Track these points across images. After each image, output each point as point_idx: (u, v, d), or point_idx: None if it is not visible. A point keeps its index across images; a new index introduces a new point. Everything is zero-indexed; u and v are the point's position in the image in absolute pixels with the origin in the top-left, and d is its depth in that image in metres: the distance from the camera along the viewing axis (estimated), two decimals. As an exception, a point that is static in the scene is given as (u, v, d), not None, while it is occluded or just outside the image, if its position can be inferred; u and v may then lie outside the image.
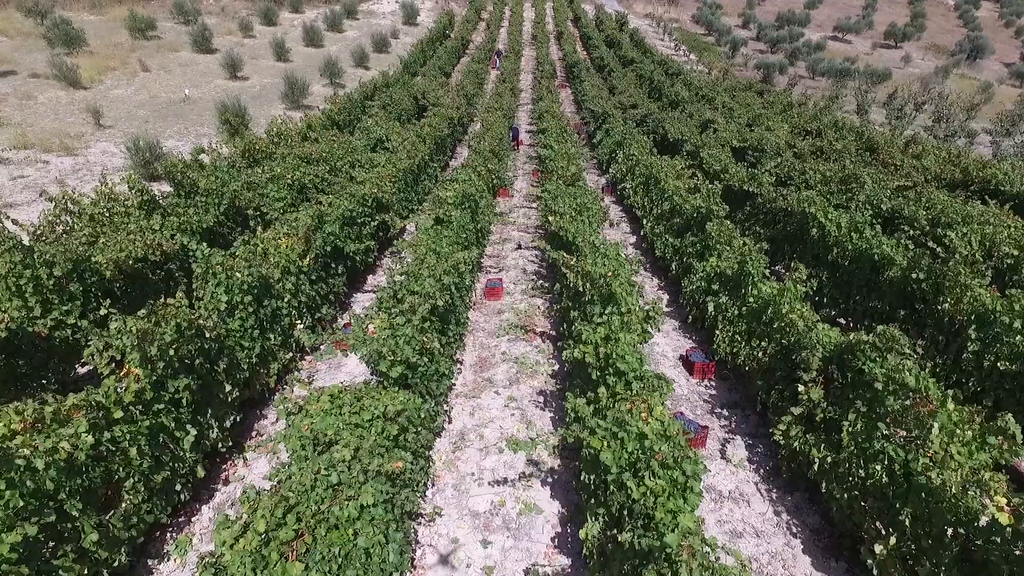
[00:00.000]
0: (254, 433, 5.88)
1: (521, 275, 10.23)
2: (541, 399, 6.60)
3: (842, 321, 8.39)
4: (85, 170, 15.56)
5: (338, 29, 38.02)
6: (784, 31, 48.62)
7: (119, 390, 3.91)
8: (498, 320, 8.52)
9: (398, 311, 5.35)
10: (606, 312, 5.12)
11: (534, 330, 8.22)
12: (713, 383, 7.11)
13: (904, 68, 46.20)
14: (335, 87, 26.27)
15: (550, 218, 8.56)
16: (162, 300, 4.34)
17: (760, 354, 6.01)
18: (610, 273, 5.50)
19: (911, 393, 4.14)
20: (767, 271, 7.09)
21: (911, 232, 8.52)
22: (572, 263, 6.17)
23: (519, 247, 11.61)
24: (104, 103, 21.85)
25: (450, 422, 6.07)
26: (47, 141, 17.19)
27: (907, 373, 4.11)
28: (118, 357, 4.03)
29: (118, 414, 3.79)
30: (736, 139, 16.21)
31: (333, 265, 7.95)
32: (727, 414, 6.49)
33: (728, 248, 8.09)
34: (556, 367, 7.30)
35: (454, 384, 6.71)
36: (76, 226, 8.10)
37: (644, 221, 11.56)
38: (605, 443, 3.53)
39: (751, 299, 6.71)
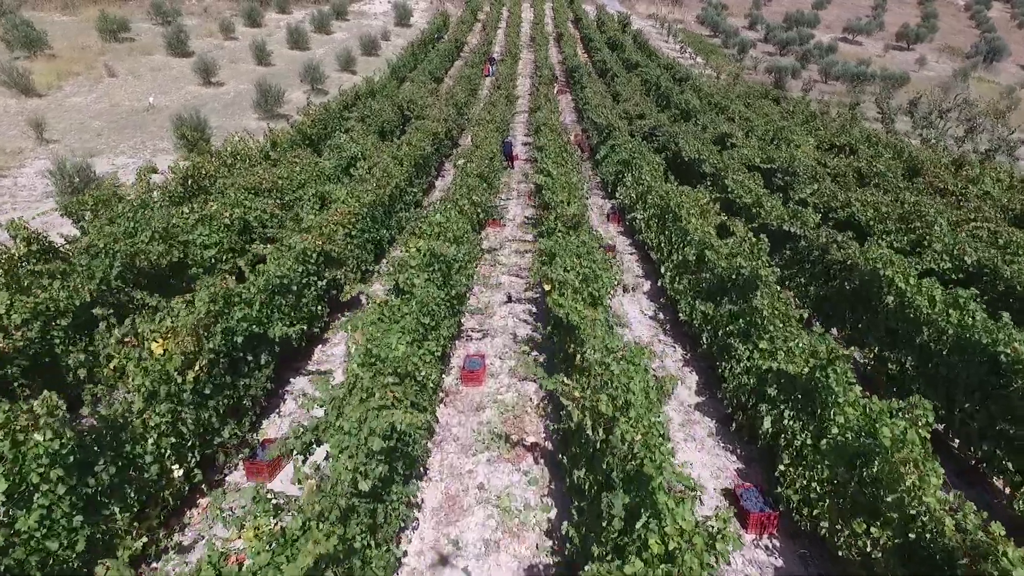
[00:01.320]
0: (80, 672, 3.78)
1: (510, 343, 8.12)
2: (530, 585, 4.50)
3: (938, 427, 6.27)
4: (8, 196, 13.41)
5: (326, 30, 35.91)
6: (793, 32, 46.54)
7: None
8: (476, 422, 6.41)
9: (296, 507, 3.26)
10: (637, 525, 3.03)
11: (524, 442, 6.11)
12: (777, 541, 5.01)
13: (919, 71, 44.12)
14: (315, 93, 24.12)
15: (545, 286, 6.47)
16: None
17: (867, 544, 3.91)
18: (639, 436, 3.41)
19: None
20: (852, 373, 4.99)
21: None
22: (576, 395, 4.08)
23: (509, 299, 9.51)
24: (57, 113, 19.75)
25: (389, 645, 3.98)
26: (-26, 160, 15.08)
27: None
28: None
29: None
30: (760, 157, 14.08)
31: (250, 358, 5.81)
32: (806, 612, 4.40)
33: (783, 328, 5.99)
34: (554, 512, 5.19)
35: (402, 559, 4.61)
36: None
37: (662, 268, 9.43)
38: None
39: (835, 429, 4.62)
